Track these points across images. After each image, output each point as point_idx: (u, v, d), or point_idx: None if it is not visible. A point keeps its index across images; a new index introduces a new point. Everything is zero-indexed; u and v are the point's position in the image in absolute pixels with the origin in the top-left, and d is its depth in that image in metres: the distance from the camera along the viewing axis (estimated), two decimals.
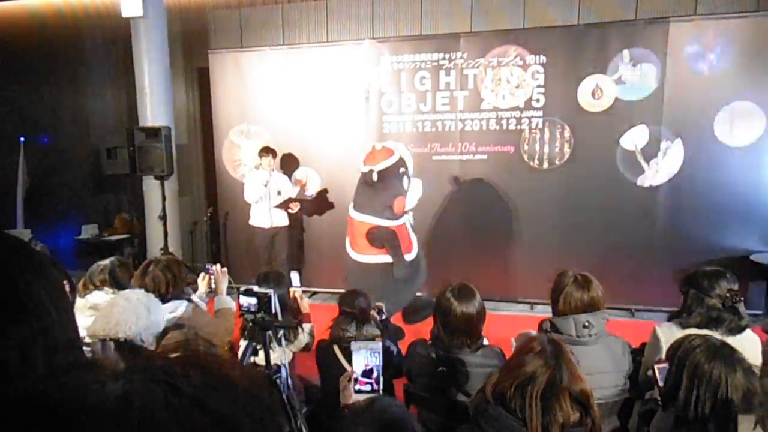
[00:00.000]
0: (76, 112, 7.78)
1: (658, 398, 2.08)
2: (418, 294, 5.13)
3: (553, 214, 5.65)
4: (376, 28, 6.37)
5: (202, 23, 6.96)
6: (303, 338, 3.10)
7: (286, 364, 2.62)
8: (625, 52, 5.29)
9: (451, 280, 2.48)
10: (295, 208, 5.86)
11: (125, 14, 5.93)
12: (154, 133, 6.16)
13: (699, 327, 2.31)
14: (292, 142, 6.27)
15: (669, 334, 2.36)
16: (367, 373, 1.55)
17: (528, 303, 5.76)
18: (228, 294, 3.15)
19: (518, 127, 5.63)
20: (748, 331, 2.35)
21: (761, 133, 5.12)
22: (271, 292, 2.37)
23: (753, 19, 5.11)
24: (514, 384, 1.56)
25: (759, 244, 5.21)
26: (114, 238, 7.29)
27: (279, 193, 5.77)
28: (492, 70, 5.61)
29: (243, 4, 6.75)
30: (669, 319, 2.50)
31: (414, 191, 4.68)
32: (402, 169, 4.66)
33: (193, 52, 7.10)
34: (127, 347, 1.98)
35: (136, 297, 2.12)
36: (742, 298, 2.34)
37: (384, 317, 3.14)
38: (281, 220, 5.83)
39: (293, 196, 5.85)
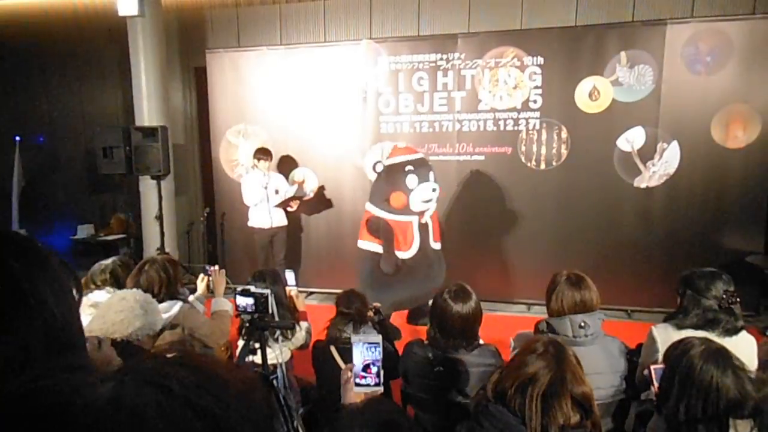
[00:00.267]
0: (71, 111, 7.76)
1: (654, 399, 2.08)
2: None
3: (550, 215, 5.66)
4: (373, 29, 6.37)
5: (199, 22, 6.95)
6: (300, 336, 3.09)
7: (283, 364, 2.61)
8: (623, 53, 5.31)
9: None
10: (294, 206, 5.86)
11: (122, 13, 5.90)
12: (150, 132, 6.14)
13: (695, 328, 2.32)
14: (290, 143, 6.27)
15: (665, 335, 2.37)
16: (367, 367, 1.55)
17: (525, 304, 5.77)
18: (226, 295, 3.15)
19: (516, 128, 5.64)
20: (743, 332, 2.36)
21: (757, 135, 5.14)
22: (267, 292, 2.37)
23: (749, 21, 5.13)
24: (516, 384, 1.56)
25: (754, 245, 5.23)
26: (110, 238, 7.26)
27: (277, 192, 5.77)
28: (489, 71, 5.62)
29: (240, 3, 6.74)
30: (665, 320, 2.50)
31: (420, 192, 4.62)
32: (409, 168, 4.67)
33: (190, 52, 7.08)
34: (123, 347, 1.97)
35: (132, 297, 2.11)
36: (738, 300, 2.34)
37: (381, 318, 3.14)
38: (281, 220, 5.83)
39: (293, 194, 5.84)
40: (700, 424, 1.60)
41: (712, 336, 2.26)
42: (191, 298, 3.16)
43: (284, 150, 6.24)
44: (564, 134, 5.54)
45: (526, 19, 5.90)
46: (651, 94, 5.29)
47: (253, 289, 2.41)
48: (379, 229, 4.74)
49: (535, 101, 5.56)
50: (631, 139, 5.39)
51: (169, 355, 0.48)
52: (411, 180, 4.62)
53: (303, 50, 6.20)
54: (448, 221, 5.83)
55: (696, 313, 2.34)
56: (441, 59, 5.72)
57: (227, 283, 3.22)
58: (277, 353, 2.62)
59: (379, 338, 1.58)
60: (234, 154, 6.50)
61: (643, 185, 5.43)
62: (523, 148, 5.65)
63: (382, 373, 1.55)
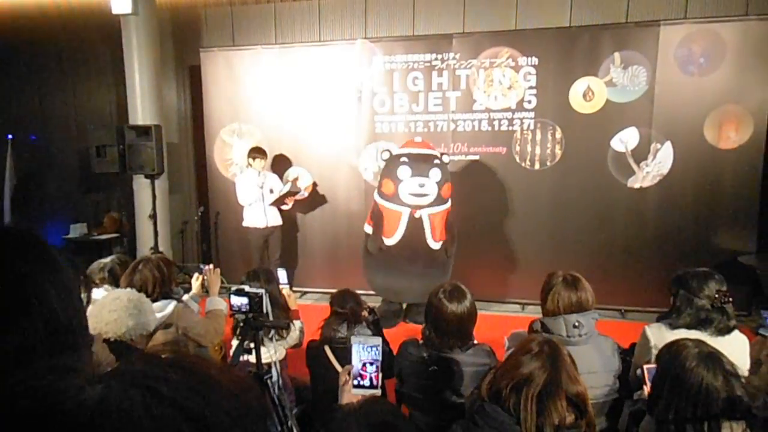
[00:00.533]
0: (64, 109, 7.71)
1: (645, 398, 2.09)
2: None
3: (545, 215, 5.67)
4: (368, 28, 6.36)
5: (193, 21, 6.93)
6: (294, 335, 3.09)
7: (278, 363, 2.61)
8: (616, 54, 5.33)
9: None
10: (289, 203, 5.85)
11: (115, 11, 5.87)
12: (144, 131, 6.12)
13: (688, 328, 2.33)
14: (284, 142, 6.26)
15: (658, 334, 2.38)
16: (366, 369, 1.54)
17: (519, 303, 5.78)
18: (220, 294, 3.14)
19: (510, 128, 5.65)
20: (736, 331, 2.37)
21: (749, 136, 5.17)
22: (262, 291, 2.36)
23: (742, 23, 5.16)
24: (511, 384, 1.56)
25: (746, 245, 5.26)
26: (103, 237, 7.22)
27: (271, 191, 5.75)
28: (484, 71, 5.63)
29: (235, 2, 6.72)
30: (658, 320, 2.51)
31: (408, 184, 4.76)
32: (404, 159, 4.85)
33: (184, 50, 7.05)
34: (115, 346, 1.96)
35: (126, 296, 2.11)
36: (731, 299, 2.36)
37: (375, 317, 3.13)
38: (276, 219, 5.82)
39: (288, 189, 5.82)
40: (690, 426, 1.61)
41: (705, 335, 2.28)
42: (186, 297, 3.15)
43: (279, 149, 6.23)
44: (558, 134, 5.56)
45: (521, 19, 5.92)
46: (644, 95, 5.32)
47: (247, 288, 2.40)
48: (374, 212, 5.05)
49: (529, 101, 5.58)
50: (625, 140, 5.41)
51: (160, 356, 0.47)
52: (403, 171, 4.79)
53: (298, 49, 6.19)
54: None
55: (689, 312, 2.36)
56: (436, 59, 5.73)
57: (222, 282, 3.21)
58: (272, 353, 2.61)
59: (378, 340, 1.57)
60: (228, 153, 6.49)
61: (636, 185, 5.45)
62: (518, 148, 5.67)
63: (380, 375, 1.54)
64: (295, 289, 5.44)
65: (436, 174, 4.81)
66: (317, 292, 6.24)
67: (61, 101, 7.69)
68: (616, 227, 5.54)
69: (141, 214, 6.39)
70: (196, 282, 3.23)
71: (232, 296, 2.36)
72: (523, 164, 5.67)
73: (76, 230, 7.36)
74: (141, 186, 6.35)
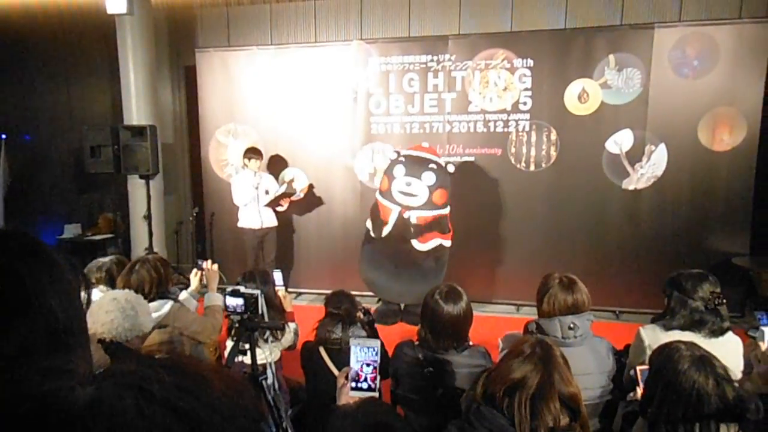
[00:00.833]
0: (59, 109, 7.68)
1: (638, 399, 2.10)
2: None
3: (540, 216, 5.69)
4: (364, 29, 6.37)
5: (189, 21, 6.91)
6: (288, 337, 3.09)
7: (273, 364, 2.60)
8: (611, 56, 5.35)
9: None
10: (285, 204, 5.84)
11: (110, 11, 5.85)
12: (139, 131, 6.10)
13: (682, 329, 2.34)
14: (280, 143, 6.25)
15: (653, 336, 2.39)
16: (364, 371, 1.54)
17: (514, 304, 5.79)
18: (218, 290, 3.14)
19: (505, 129, 5.67)
20: (729, 333, 2.38)
21: (743, 138, 5.21)
22: (257, 293, 2.36)
23: (735, 26, 5.20)
24: (504, 389, 1.56)
25: (740, 247, 5.29)
26: (97, 237, 7.20)
27: (267, 192, 5.74)
28: (480, 73, 5.64)
29: (231, 2, 6.71)
30: (653, 321, 2.52)
31: (398, 182, 4.93)
32: (401, 158, 5.05)
33: (179, 51, 7.04)
34: (110, 347, 1.96)
35: (123, 297, 2.10)
36: (725, 301, 2.37)
37: (370, 318, 3.13)
38: (271, 220, 5.81)
39: (283, 191, 5.81)
40: (681, 428, 1.61)
41: (699, 337, 2.29)
42: (184, 293, 3.15)
43: (274, 150, 6.22)
44: (553, 136, 5.58)
45: (516, 21, 5.94)
46: (639, 97, 5.34)
47: (242, 289, 2.40)
48: (373, 207, 5.30)
49: (524, 103, 5.59)
50: (620, 142, 5.44)
51: (153, 357, 0.47)
52: (398, 169, 4.97)
53: (293, 50, 6.18)
54: None
55: (683, 314, 2.37)
56: (431, 60, 5.74)
57: (221, 277, 3.22)
58: (267, 354, 2.61)
59: (377, 342, 1.57)
60: (223, 154, 6.47)
61: (631, 187, 5.47)
62: (513, 150, 5.68)
63: (379, 378, 1.54)
64: (290, 289, 5.44)
65: (428, 177, 4.87)
66: (312, 293, 6.23)
67: (56, 101, 7.66)
68: (611, 229, 5.56)
69: (135, 214, 6.36)
70: (194, 278, 3.23)
71: (228, 297, 2.36)
72: (518, 166, 5.69)
73: (71, 231, 7.33)
74: (135, 186, 6.33)
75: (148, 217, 6.23)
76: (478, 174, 5.77)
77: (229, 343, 2.92)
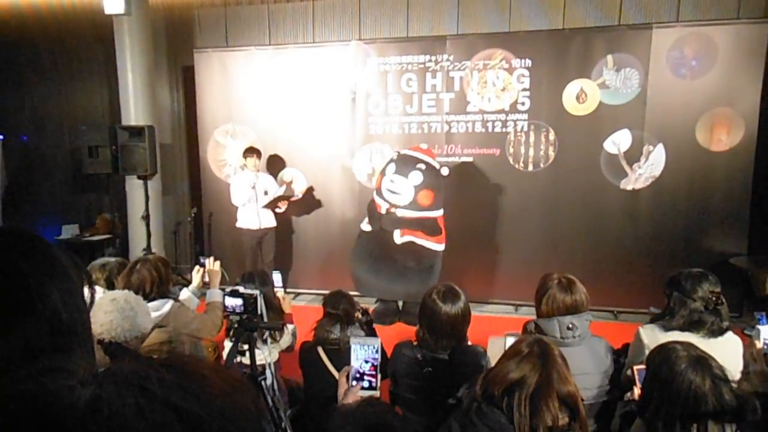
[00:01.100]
0: (56, 110, 7.66)
1: (635, 399, 2.10)
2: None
3: (538, 216, 5.69)
4: (362, 30, 6.37)
5: (187, 21, 6.91)
6: (287, 338, 3.09)
7: (272, 365, 2.60)
8: (609, 57, 5.36)
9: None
10: (283, 206, 5.83)
11: (108, 11, 5.84)
12: (137, 132, 6.09)
13: (681, 329, 2.33)
14: (278, 143, 6.25)
15: (652, 336, 2.38)
16: (364, 369, 1.54)
17: (512, 304, 5.79)
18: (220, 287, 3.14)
19: (504, 129, 5.67)
20: (729, 333, 2.36)
21: (740, 139, 5.21)
22: (257, 293, 2.35)
23: (733, 26, 5.21)
24: (503, 389, 1.56)
25: (737, 247, 5.30)
26: (95, 238, 7.19)
27: (266, 193, 5.74)
28: (478, 73, 5.65)
29: (229, 3, 6.71)
30: (652, 321, 2.52)
31: (387, 179, 5.01)
32: (393, 157, 5.19)
33: (178, 51, 7.03)
34: (109, 348, 1.95)
35: (123, 298, 2.09)
36: (725, 301, 2.36)
37: (368, 318, 3.13)
38: (269, 221, 5.80)
39: (281, 194, 5.82)
40: (678, 430, 1.61)
41: (698, 337, 2.28)
42: (186, 291, 3.15)
43: (273, 150, 6.22)
44: (551, 136, 5.58)
45: (515, 21, 5.94)
46: (637, 97, 5.35)
47: (241, 289, 2.40)
48: (370, 202, 5.41)
49: (523, 103, 5.60)
50: (618, 142, 5.44)
51: (153, 357, 0.47)
52: (390, 167, 5.05)
53: (292, 51, 6.18)
54: None
55: (682, 314, 2.36)
56: (430, 61, 5.74)
57: (222, 274, 3.22)
58: (266, 354, 2.61)
59: (377, 340, 1.57)
60: (222, 154, 6.47)
61: (629, 187, 5.48)
62: (511, 150, 5.68)
63: (379, 377, 1.54)
64: (288, 290, 5.44)
65: (415, 177, 4.90)
66: (310, 294, 6.23)
67: (53, 101, 7.65)
68: (609, 229, 5.57)
69: (134, 215, 6.35)
70: (196, 275, 3.23)
71: (227, 297, 2.35)
72: (516, 166, 5.69)
73: (68, 231, 7.32)
74: (134, 187, 6.32)
75: (146, 218, 6.22)
76: (476, 174, 5.77)
77: (228, 344, 2.92)
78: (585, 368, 2.24)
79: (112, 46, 6.19)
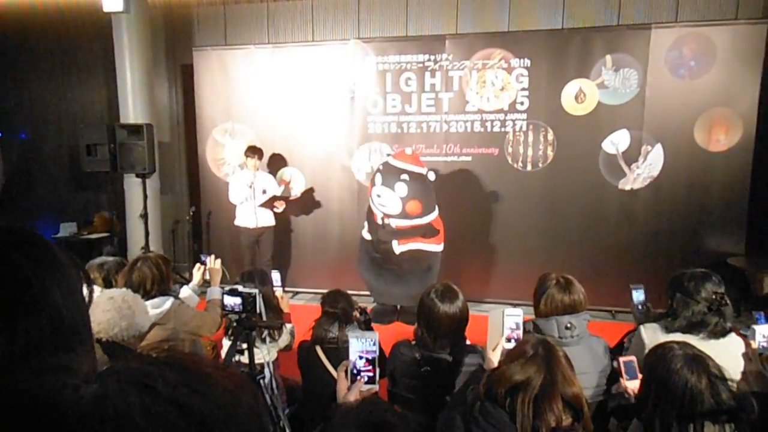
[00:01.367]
0: (55, 107, 7.64)
1: (624, 392, 2.10)
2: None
3: (536, 216, 5.70)
4: (361, 29, 6.37)
5: (186, 19, 6.90)
6: (285, 338, 3.09)
7: (270, 364, 2.60)
8: (608, 57, 5.36)
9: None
10: (280, 207, 5.83)
11: (106, 9, 5.83)
12: (136, 130, 6.08)
13: (683, 331, 2.30)
14: (277, 142, 6.24)
15: (653, 336, 2.37)
16: (362, 363, 1.54)
17: (510, 304, 5.77)
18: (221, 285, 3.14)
19: (502, 129, 5.67)
20: (732, 334, 2.34)
21: (738, 139, 5.22)
22: (255, 292, 2.35)
23: (732, 27, 5.22)
24: (507, 390, 1.56)
25: (735, 247, 5.31)
26: (93, 236, 7.17)
27: (264, 192, 5.74)
28: (477, 73, 5.65)
29: (228, 1, 6.70)
30: (655, 320, 2.51)
31: (375, 190, 5.02)
32: (380, 167, 5.12)
33: (176, 49, 7.02)
34: (107, 347, 1.95)
35: (121, 297, 2.09)
36: (728, 302, 2.32)
37: (367, 318, 3.13)
38: (267, 220, 5.79)
39: (278, 194, 5.82)
40: (675, 429, 1.60)
41: (700, 339, 2.26)
42: (187, 288, 3.15)
43: (271, 149, 6.21)
44: (550, 136, 5.59)
45: (513, 21, 5.94)
46: (636, 98, 5.35)
47: (240, 288, 2.40)
48: (368, 208, 5.40)
49: (521, 103, 5.60)
50: (616, 142, 5.45)
51: (156, 355, 0.47)
52: (377, 177, 5.03)
53: (291, 49, 6.17)
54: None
55: (685, 315, 2.33)
56: (429, 60, 5.74)
57: (223, 272, 3.22)
58: (264, 353, 2.61)
59: (375, 334, 1.57)
60: (221, 153, 6.46)
61: (627, 187, 5.49)
62: (510, 150, 5.69)
63: (378, 371, 1.54)
64: (286, 289, 5.43)
65: (401, 189, 4.89)
66: (309, 293, 6.22)
67: (52, 99, 7.63)
68: (607, 228, 5.57)
69: (132, 213, 6.35)
70: (197, 272, 3.23)
71: (226, 296, 2.35)
72: (515, 165, 5.70)
73: (66, 229, 7.31)
74: (132, 185, 6.31)
75: (144, 216, 6.21)
76: (475, 174, 5.78)
77: (226, 342, 2.92)
78: (583, 368, 2.25)
79: (110, 43, 6.18)
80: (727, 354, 2.00)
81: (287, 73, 6.10)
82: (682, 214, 5.41)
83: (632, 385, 2.07)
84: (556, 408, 1.50)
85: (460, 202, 5.79)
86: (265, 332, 2.79)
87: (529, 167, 5.67)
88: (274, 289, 3.25)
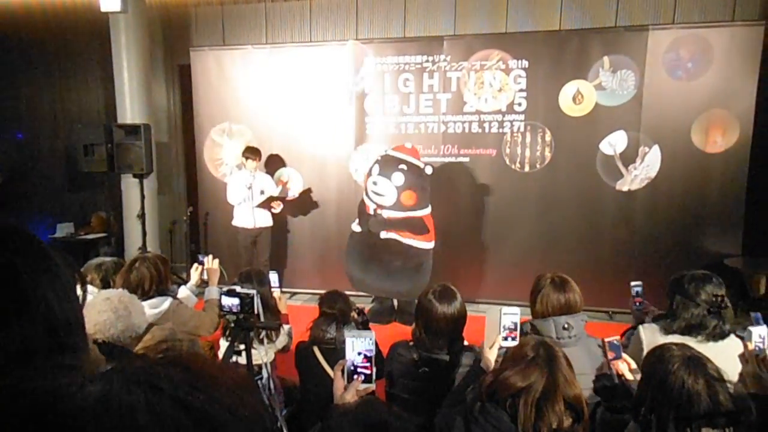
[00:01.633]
0: (52, 107, 7.63)
1: (609, 371, 2.10)
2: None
3: (534, 217, 5.71)
4: (360, 29, 6.37)
5: (183, 20, 6.89)
6: (283, 338, 3.08)
7: (268, 365, 2.60)
8: (606, 58, 5.37)
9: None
10: (278, 207, 5.83)
11: (104, 8, 5.82)
12: (133, 130, 6.07)
13: (682, 333, 2.30)
14: (275, 142, 6.24)
15: (651, 337, 2.37)
16: (359, 362, 1.54)
17: (507, 304, 5.77)
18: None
19: (500, 130, 5.68)
20: (732, 336, 2.33)
21: (735, 140, 5.24)
22: (253, 292, 2.35)
23: (729, 28, 5.23)
24: (509, 394, 1.56)
25: (732, 248, 5.33)
26: (90, 237, 7.16)
27: (262, 192, 5.73)
28: (475, 74, 5.65)
29: (226, 1, 6.70)
30: (655, 320, 2.51)
31: (371, 180, 5.02)
32: (378, 158, 5.14)
33: (174, 49, 7.01)
34: (105, 348, 1.94)
35: (117, 297, 2.08)
36: (728, 304, 2.31)
37: (364, 318, 3.13)
38: (265, 220, 5.79)
39: (276, 195, 5.82)
40: (671, 430, 1.59)
41: (698, 341, 2.26)
42: (185, 289, 3.15)
43: (269, 150, 6.20)
44: (548, 137, 5.60)
45: (512, 22, 5.95)
46: (633, 99, 5.37)
47: (238, 289, 2.39)
48: (360, 202, 5.41)
49: (519, 104, 5.61)
50: (614, 143, 5.46)
51: (159, 355, 0.47)
52: (374, 168, 5.04)
53: (288, 50, 6.17)
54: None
55: (684, 317, 2.33)
56: (427, 61, 5.74)
57: (221, 273, 3.22)
58: (262, 354, 2.60)
59: (371, 333, 1.57)
60: (218, 153, 6.45)
61: (624, 188, 5.50)
62: (508, 151, 5.69)
63: (374, 369, 1.54)
64: (284, 290, 5.43)
65: (397, 178, 4.89)
66: (306, 293, 6.22)
67: (49, 99, 7.62)
68: (604, 229, 5.58)
69: (129, 213, 6.33)
70: (195, 272, 3.22)
71: (224, 296, 2.35)
72: (512, 166, 5.70)
73: (63, 230, 7.29)
74: (129, 185, 6.30)
75: (141, 217, 6.20)
76: (472, 175, 5.78)
77: (224, 343, 2.92)
78: (581, 368, 2.24)
79: (108, 43, 6.17)
80: (726, 356, 1.99)
81: (285, 74, 6.10)
82: (679, 215, 5.42)
83: (620, 366, 2.10)
84: (558, 409, 1.50)
85: (458, 203, 5.80)
86: (263, 333, 2.78)
87: (526, 168, 5.68)
88: (272, 289, 3.24)
